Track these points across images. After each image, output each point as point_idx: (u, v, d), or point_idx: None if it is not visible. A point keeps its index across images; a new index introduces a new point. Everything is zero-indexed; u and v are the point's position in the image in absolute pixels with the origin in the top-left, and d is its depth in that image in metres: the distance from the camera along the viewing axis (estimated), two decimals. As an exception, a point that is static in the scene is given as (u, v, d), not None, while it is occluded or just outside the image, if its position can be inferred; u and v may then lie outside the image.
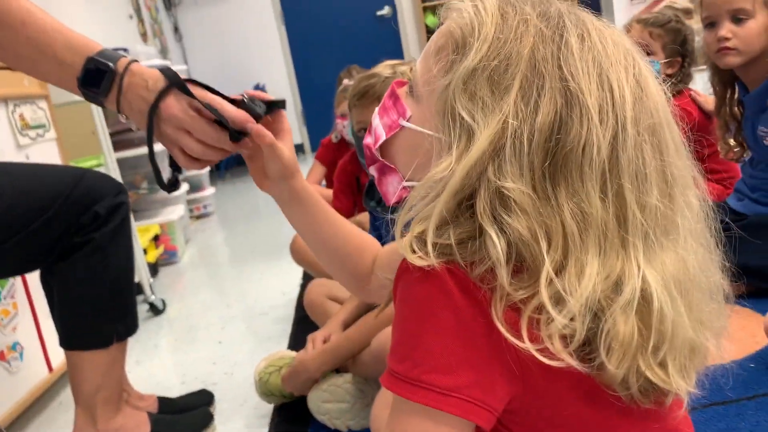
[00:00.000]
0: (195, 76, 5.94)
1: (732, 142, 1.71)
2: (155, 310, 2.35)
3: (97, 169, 2.12)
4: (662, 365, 0.52)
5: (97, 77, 0.80)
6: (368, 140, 0.67)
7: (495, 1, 0.56)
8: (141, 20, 4.81)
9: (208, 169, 4.12)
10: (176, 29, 5.99)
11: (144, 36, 4.81)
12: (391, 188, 0.65)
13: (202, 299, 2.51)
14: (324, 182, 2.65)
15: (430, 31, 5.75)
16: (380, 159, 0.65)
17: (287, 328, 1.94)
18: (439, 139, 0.55)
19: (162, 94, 0.77)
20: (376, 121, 0.66)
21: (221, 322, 2.17)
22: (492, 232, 0.50)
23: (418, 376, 0.51)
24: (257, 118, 0.78)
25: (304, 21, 6.10)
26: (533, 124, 0.50)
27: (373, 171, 0.68)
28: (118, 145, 2.68)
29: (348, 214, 2.01)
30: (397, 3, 6.04)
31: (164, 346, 2.10)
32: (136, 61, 0.82)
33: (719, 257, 0.60)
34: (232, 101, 0.78)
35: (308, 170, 2.58)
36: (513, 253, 0.50)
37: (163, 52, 5.26)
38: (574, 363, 0.50)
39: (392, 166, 0.64)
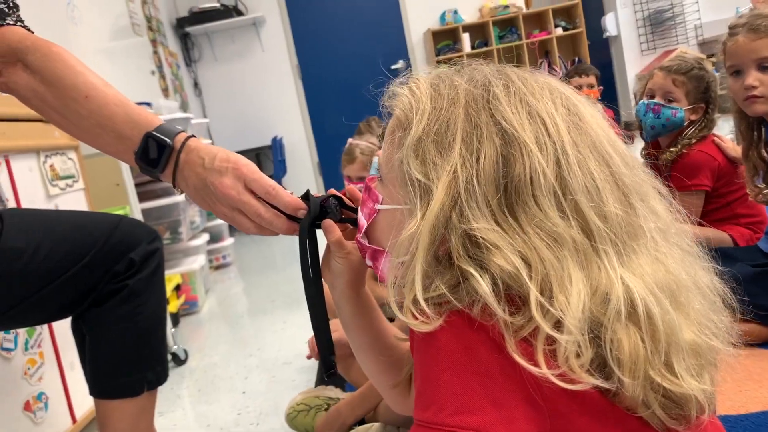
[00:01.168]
0: (214, 129, 6.05)
1: (761, 184, 1.69)
2: (177, 361, 2.33)
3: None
4: (669, 367, 0.53)
5: (154, 153, 0.82)
6: (357, 235, 0.73)
7: (427, 80, 0.65)
8: (162, 76, 4.93)
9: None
10: (196, 84, 6.14)
11: (165, 91, 4.92)
12: (386, 270, 0.69)
13: (224, 349, 2.49)
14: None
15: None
16: (369, 246, 0.71)
17: (312, 377, 1.92)
18: (408, 209, 0.60)
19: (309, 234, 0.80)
20: (359, 215, 0.72)
21: (245, 372, 2.14)
22: (473, 270, 0.53)
23: (443, 419, 0.52)
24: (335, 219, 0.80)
25: (320, 75, 6.23)
26: (479, 167, 0.56)
27: (368, 261, 0.73)
28: (142, 196, 2.72)
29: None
30: (411, 57, 6.17)
31: (187, 396, 2.07)
32: (194, 136, 0.83)
33: (708, 261, 0.62)
34: (330, 197, 0.81)
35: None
36: (500, 286, 0.52)
37: (184, 107, 5.37)
38: (597, 381, 0.51)
39: (380, 249, 0.69)
